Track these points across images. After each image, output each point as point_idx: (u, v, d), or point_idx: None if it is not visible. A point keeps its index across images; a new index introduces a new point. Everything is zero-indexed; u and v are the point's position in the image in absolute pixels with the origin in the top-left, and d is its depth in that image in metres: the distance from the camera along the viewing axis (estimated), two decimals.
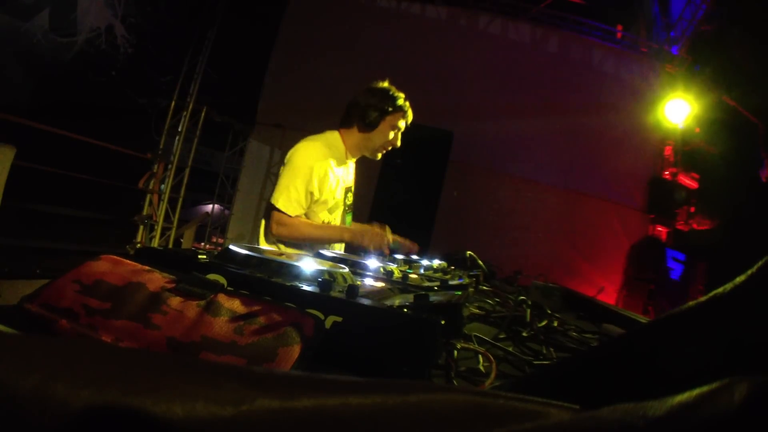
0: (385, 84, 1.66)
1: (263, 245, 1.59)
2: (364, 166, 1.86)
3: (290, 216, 1.51)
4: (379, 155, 1.71)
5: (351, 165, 1.76)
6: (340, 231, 1.56)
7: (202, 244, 5.74)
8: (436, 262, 1.52)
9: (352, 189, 1.80)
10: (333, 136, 1.67)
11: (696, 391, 0.15)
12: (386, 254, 1.48)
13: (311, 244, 1.54)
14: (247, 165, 5.32)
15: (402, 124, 1.66)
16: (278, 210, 1.52)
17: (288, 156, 1.57)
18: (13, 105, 3.69)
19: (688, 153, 4.99)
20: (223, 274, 0.57)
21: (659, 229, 4.95)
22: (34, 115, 3.69)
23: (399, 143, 1.69)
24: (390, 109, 1.61)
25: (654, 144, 4.95)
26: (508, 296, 1.30)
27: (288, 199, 1.51)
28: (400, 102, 1.64)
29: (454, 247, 1.46)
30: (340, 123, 1.69)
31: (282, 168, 1.57)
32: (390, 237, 1.51)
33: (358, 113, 1.64)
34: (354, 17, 5.18)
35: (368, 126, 1.62)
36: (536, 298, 1.38)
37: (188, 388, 0.19)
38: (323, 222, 1.63)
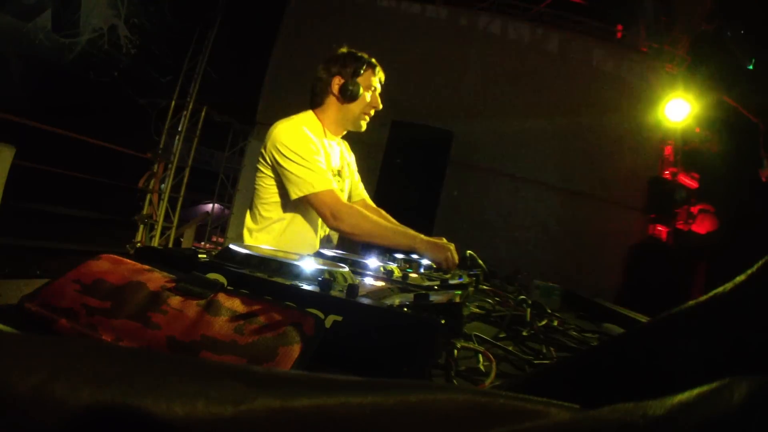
0: (343, 49, 1.52)
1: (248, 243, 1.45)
2: (364, 167, 1.85)
3: (341, 199, 1.36)
4: (364, 124, 1.54)
5: (335, 145, 1.58)
6: (412, 237, 1.36)
7: (202, 243, 5.75)
8: None
9: (343, 173, 1.60)
10: (307, 115, 1.51)
11: (696, 391, 0.15)
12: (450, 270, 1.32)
13: (370, 242, 1.35)
14: (247, 165, 5.32)
15: (375, 81, 1.51)
16: (321, 195, 1.33)
17: (278, 144, 1.37)
18: (14, 105, 3.69)
19: (688, 153, 4.98)
20: (223, 274, 0.57)
21: (659, 228, 4.94)
22: (35, 115, 3.69)
23: (380, 104, 1.53)
24: (360, 70, 1.47)
25: (654, 144, 4.95)
26: (508, 296, 1.30)
27: (319, 180, 1.34)
28: (366, 58, 1.49)
29: (455, 246, 1.46)
30: (310, 104, 1.54)
31: (280, 160, 1.37)
32: (456, 255, 1.35)
33: (327, 88, 1.49)
34: (354, 17, 5.18)
35: (348, 98, 1.47)
36: (536, 297, 1.38)
37: (188, 388, 0.19)
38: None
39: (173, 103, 5.16)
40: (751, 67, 4.21)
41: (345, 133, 1.61)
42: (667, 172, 4.96)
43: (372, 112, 1.54)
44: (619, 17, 5.25)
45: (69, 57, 4.32)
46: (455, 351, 0.60)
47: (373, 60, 1.52)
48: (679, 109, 4.62)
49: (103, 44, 4.52)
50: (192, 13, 5.09)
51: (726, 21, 4.39)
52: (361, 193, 1.75)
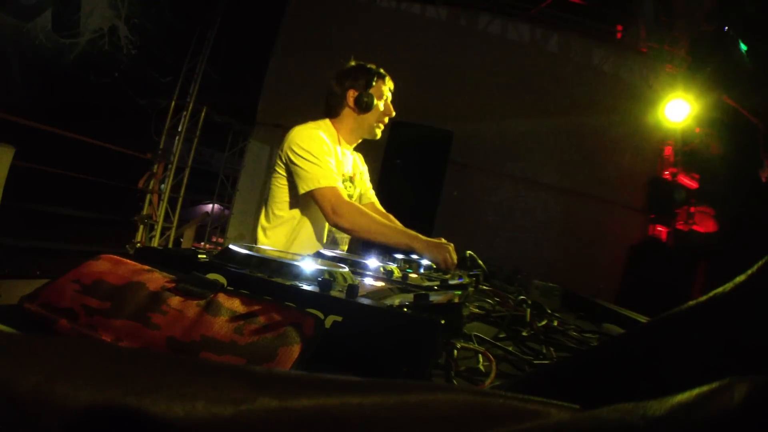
0: (352, 62, 1.60)
1: (262, 241, 1.53)
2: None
3: (342, 196, 1.38)
4: (379, 132, 1.62)
5: (348, 154, 1.65)
6: (411, 236, 1.37)
7: (202, 243, 5.75)
8: None
9: (355, 180, 1.69)
10: (324, 123, 1.59)
11: (696, 391, 0.15)
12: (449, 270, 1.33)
13: (368, 239, 1.37)
14: (247, 165, 5.32)
15: (386, 90, 1.59)
16: (324, 190, 1.36)
17: (293, 145, 1.43)
18: (14, 105, 3.69)
19: (688, 153, 4.98)
20: (223, 274, 0.57)
21: (659, 229, 4.94)
22: (35, 115, 3.69)
23: (393, 111, 1.61)
24: (372, 82, 1.55)
25: (654, 144, 4.95)
26: (508, 296, 1.29)
27: (326, 176, 1.38)
28: (375, 69, 1.57)
29: (455, 246, 1.45)
30: (326, 114, 1.62)
31: (293, 158, 1.42)
32: (455, 256, 1.37)
33: (342, 101, 1.57)
34: (354, 17, 5.18)
35: (363, 109, 1.54)
36: (536, 297, 1.38)
37: (188, 388, 0.19)
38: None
39: (173, 103, 5.16)
40: (744, 49, 4.18)
41: (359, 141, 1.67)
42: (667, 172, 4.96)
43: (386, 120, 1.62)
44: (619, 17, 5.25)
45: (69, 57, 4.32)
46: (455, 351, 0.60)
47: (382, 70, 1.60)
48: (679, 110, 4.62)
49: (104, 45, 4.52)
50: (192, 13, 5.09)
51: (726, 20, 4.38)
52: (371, 197, 1.80)
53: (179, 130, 5.17)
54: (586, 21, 5.02)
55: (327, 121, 1.60)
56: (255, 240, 1.55)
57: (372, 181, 1.86)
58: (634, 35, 5.19)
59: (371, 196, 1.79)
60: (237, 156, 5.78)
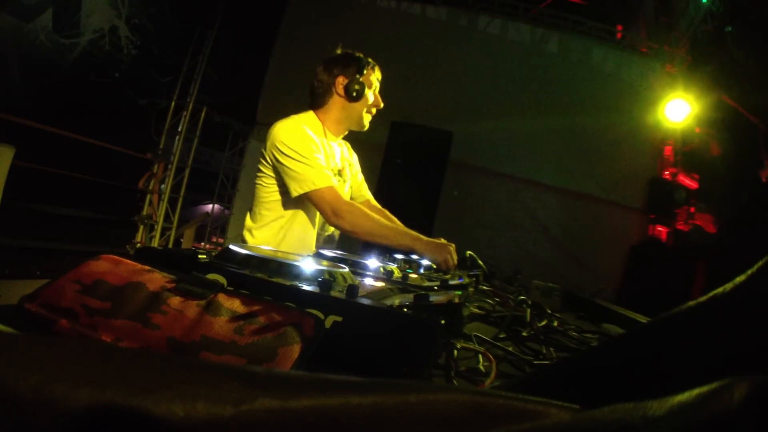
0: (339, 50, 1.54)
1: (250, 242, 1.48)
2: (364, 167, 1.85)
3: (341, 196, 1.36)
4: (367, 122, 1.55)
5: (335, 146, 1.59)
6: (412, 237, 1.36)
7: (202, 244, 5.74)
8: None
9: (344, 173, 1.61)
10: (308, 115, 1.52)
11: (696, 391, 0.15)
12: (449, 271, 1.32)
13: (370, 241, 1.35)
14: (247, 165, 5.32)
15: (375, 79, 1.54)
16: (322, 191, 1.33)
17: (278, 143, 1.38)
18: (14, 105, 3.69)
19: (688, 153, 4.98)
20: (223, 274, 0.57)
21: (659, 229, 4.94)
22: (35, 115, 3.69)
23: (381, 102, 1.56)
24: (363, 70, 1.49)
25: (654, 144, 4.95)
26: (508, 296, 1.29)
27: (320, 176, 1.34)
28: (364, 57, 1.51)
29: (454, 247, 1.45)
30: (311, 106, 1.56)
31: (280, 158, 1.37)
32: (455, 256, 1.35)
33: (330, 89, 1.50)
34: (354, 17, 5.18)
35: (353, 97, 1.48)
36: (536, 298, 1.38)
37: (188, 388, 0.19)
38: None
39: (173, 103, 5.16)
40: (729, 29, 4.17)
41: (346, 133, 1.62)
42: (667, 172, 4.96)
43: (374, 111, 1.56)
44: (619, 17, 5.25)
45: (70, 57, 4.32)
46: (455, 351, 0.60)
47: (370, 59, 1.55)
48: (679, 110, 4.62)
49: (104, 45, 4.53)
50: (192, 13, 5.09)
51: (727, 19, 4.38)
52: (365, 194, 1.76)
53: (179, 130, 5.17)
54: (586, 21, 5.02)
55: (311, 112, 1.54)
56: (243, 241, 1.49)
57: (372, 181, 1.81)
58: (634, 35, 5.19)
59: (365, 193, 1.76)
60: (237, 156, 5.78)
